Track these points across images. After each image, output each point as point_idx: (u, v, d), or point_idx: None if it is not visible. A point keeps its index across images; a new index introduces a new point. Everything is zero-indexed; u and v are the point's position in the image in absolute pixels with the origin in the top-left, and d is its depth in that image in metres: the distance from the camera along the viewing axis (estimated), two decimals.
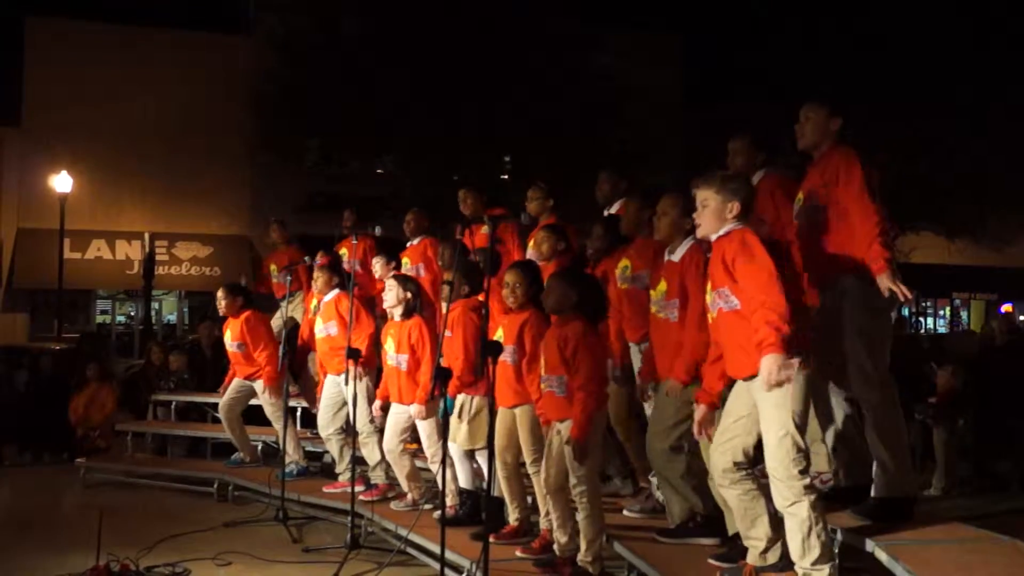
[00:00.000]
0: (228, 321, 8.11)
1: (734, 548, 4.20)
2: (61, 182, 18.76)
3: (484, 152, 17.59)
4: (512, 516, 5.34)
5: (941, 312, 27.72)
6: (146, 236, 19.45)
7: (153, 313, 21.89)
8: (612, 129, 17.85)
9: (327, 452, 8.36)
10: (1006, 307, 25.67)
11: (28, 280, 20.30)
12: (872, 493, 4.19)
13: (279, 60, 18.00)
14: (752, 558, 3.85)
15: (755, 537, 3.82)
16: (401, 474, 6.38)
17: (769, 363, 3.47)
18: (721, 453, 3.84)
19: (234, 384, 8.09)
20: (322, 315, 7.25)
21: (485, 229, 6.92)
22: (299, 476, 7.61)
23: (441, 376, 4.65)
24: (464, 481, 5.81)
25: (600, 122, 17.69)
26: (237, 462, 8.24)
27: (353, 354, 6.53)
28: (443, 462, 4.80)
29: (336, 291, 7.22)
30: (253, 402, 8.30)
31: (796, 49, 17.45)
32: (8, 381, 11.39)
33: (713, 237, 3.87)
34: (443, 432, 5.27)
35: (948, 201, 17.71)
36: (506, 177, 18.40)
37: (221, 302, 8.08)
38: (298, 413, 8.70)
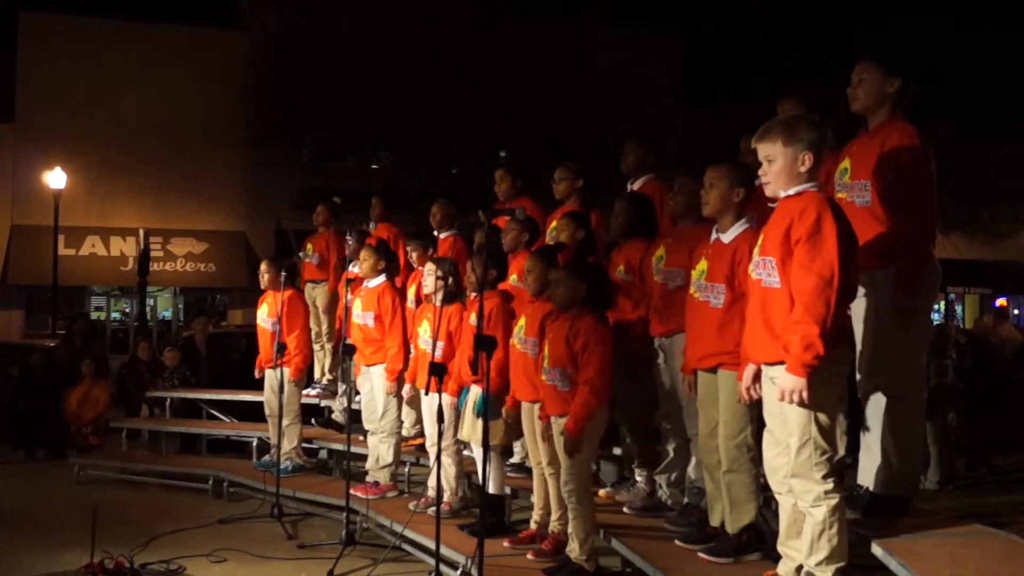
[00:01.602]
0: (265, 295, 7.93)
1: (724, 540, 4.17)
2: (55, 178, 18.70)
3: (480, 148, 17.58)
4: (532, 519, 5.23)
5: (936, 306, 27.79)
6: (141, 232, 19.37)
7: (148, 309, 21.87)
8: (611, 127, 17.83)
9: (322, 449, 8.37)
10: (1000, 301, 25.74)
11: (22, 277, 20.24)
12: (871, 487, 4.11)
13: (274, 56, 17.96)
14: (785, 569, 3.63)
15: (795, 548, 3.57)
16: (447, 474, 5.88)
17: (789, 383, 3.28)
18: (777, 455, 3.57)
19: (267, 380, 7.83)
20: (362, 300, 6.81)
21: (519, 211, 6.55)
22: (294, 472, 7.58)
23: (436, 372, 4.63)
24: (492, 485, 5.42)
25: (598, 120, 17.66)
26: (266, 464, 7.75)
27: (348, 350, 6.51)
28: (438, 458, 4.78)
29: (383, 278, 6.79)
30: (257, 398, 8.25)
31: (794, 48, 17.43)
32: (1, 378, 11.36)
33: (781, 194, 3.51)
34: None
35: (942, 195, 17.72)
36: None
37: (264, 275, 7.89)
38: None
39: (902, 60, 4.19)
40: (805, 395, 3.28)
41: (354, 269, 7.60)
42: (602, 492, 5.50)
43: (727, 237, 4.19)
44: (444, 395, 5.35)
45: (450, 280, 5.83)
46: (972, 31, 16.51)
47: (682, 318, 4.53)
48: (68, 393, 10.20)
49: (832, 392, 3.46)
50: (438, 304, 5.87)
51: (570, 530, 4.64)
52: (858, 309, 4.07)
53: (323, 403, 8.62)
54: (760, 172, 3.58)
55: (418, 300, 6.96)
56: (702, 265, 4.28)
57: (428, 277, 6.06)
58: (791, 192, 3.48)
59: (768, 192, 3.58)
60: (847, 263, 3.33)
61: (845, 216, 3.45)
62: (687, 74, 22.56)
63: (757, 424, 4.08)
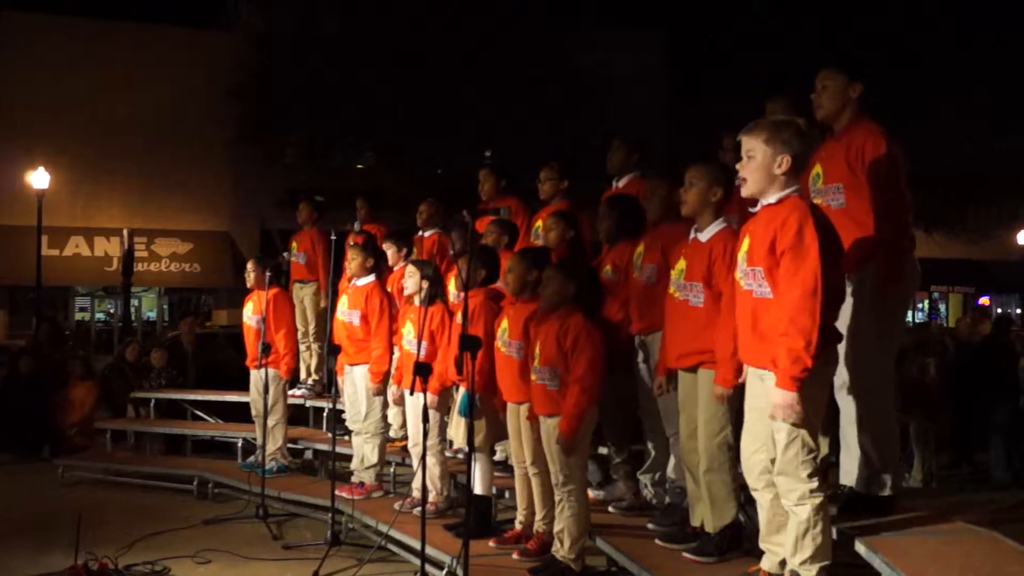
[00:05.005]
0: (251, 294, 7.91)
1: (707, 540, 4.18)
2: (38, 178, 18.61)
3: (465, 147, 17.59)
4: (517, 519, 5.21)
5: (920, 305, 27.94)
6: (125, 233, 19.32)
7: (132, 310, 21.78)
8: (597, 125, 17.86)
9: (307, 449, 8.34)
10: (983, 300, 25.92)
11: (5, 277, 20.16)
12: (853, 484, 4.12)
13: (260, 56, 17.92)
14: (768, 564, 3.65)
15: (778, 543, 3.59)
16: (431, 474, 5.82)
17: (780, 398, 3.30)
18: (755, 451, 3.60)
19: (253, 380, 7.75)
20: (349, 297, 6.74)
21: (503, 211, 6.25)
22: (279, 473, 7.54)
23: (420, 372, 4.62)
24: (479, 485, 5.39)
25: (584, 119, 17.68)
26: (251, 466, 7.72)
27: (333, 350, 6.49)
28: (423, 458, 4.77)
29: (372, 277, 6.72)
30: (243, 398, 8.21)
31: (785, 47, 17.48)
32: None
33: (762, 201, 3.53)
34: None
35: (926, 194, 17.84)
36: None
37: (250, 274, 7.87)
38: None
39: (863, 65, 4.27)
40: (798, 408, 3.30)
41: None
42: (590, 493, 5.49)
43: (704, 236, 4.21)
44: (428, 394, 5.38)
45: (427, 283, 5.84)
46: (967, 31, 16.62)
47: (661, 315, 4.56)
48: (55, 395, 10.11)
49: (822, 392, 3.48)
50: (418, 304, 5.87)
51: (560, 528, 4.62)
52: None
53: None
54: (738, 166, 3.58)
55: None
56: (680, 264, 4.30)
57: (409, 279, 6.03)
58: (772, 200, 3.49)
59: (744, 191, 3.58)
60: (831, 270, 3.34)
61: (828, 222, 3.47)
62: (674, 72, 22.58)
63: (736, 424, 4.11)
